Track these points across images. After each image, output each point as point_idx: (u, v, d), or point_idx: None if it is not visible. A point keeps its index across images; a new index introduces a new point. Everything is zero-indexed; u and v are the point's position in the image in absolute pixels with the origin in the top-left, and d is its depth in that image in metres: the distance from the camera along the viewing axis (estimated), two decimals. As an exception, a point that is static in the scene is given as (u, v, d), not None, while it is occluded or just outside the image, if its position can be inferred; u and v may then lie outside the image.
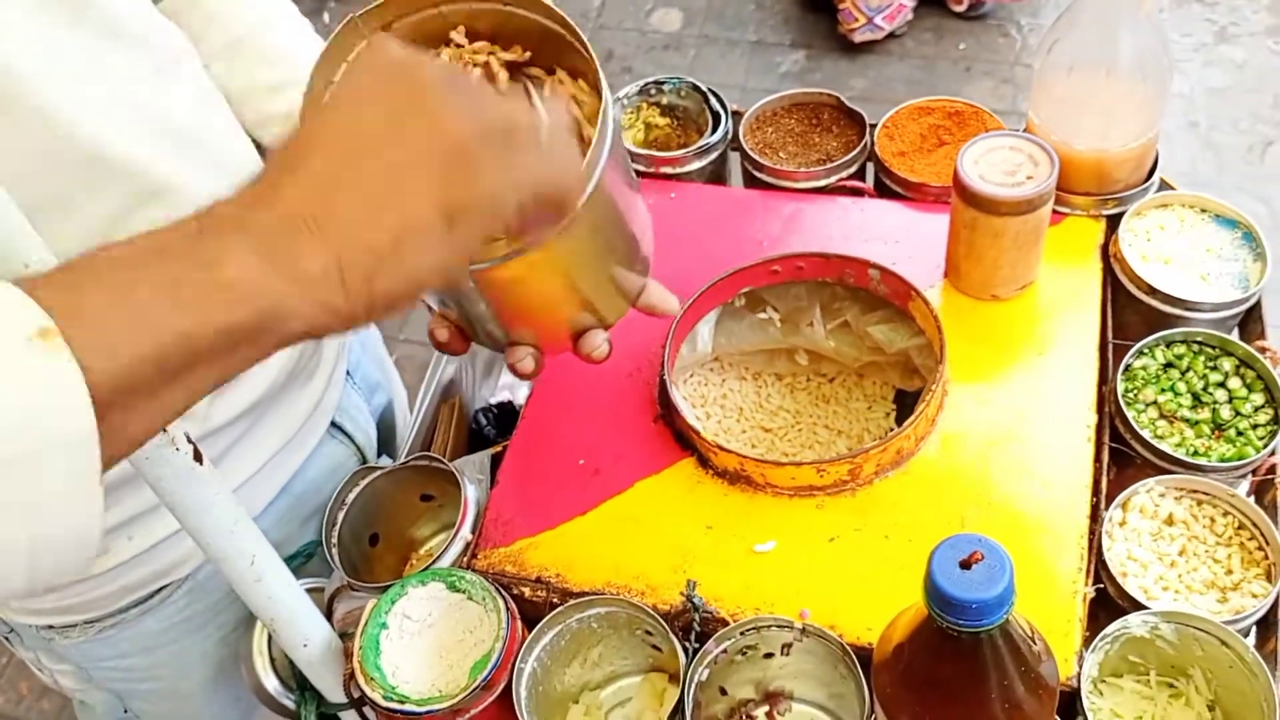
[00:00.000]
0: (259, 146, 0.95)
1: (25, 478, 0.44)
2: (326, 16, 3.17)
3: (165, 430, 0.66)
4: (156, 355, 0.46)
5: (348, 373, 1.14)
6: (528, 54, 0.73)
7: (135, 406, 0.47)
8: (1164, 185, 1.02)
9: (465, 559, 0.90)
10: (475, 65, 0.72)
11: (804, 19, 3.01)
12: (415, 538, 1.05)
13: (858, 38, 2.85)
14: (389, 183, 0.51)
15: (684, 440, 0.93)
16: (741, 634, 0.80)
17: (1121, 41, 0.91)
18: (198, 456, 0.69)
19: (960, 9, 2.93)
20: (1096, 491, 0.87)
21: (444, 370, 1.17)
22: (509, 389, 1.31)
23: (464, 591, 0.86)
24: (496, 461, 1.00)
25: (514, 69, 0.74)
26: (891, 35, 2.89)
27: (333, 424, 1.08)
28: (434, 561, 0.89)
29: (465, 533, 0.91)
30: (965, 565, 0.59)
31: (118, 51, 0.77)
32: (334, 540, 0.95)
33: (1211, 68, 2.75)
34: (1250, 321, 0.97)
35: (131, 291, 0.46)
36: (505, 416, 1.21)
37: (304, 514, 1.07)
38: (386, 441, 1.24)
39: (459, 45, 0.73)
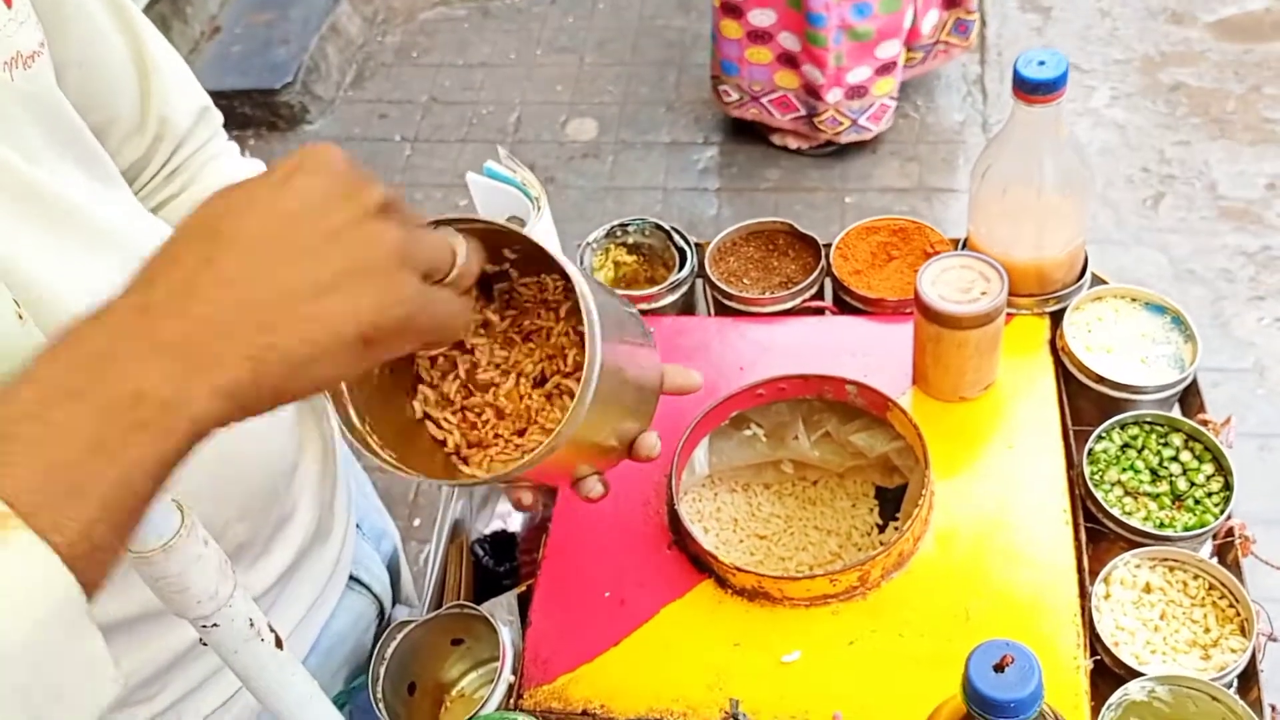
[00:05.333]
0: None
1: (28, 661, 0.46)
2: (247, 154, 3.24)
3: (251, 624, 0.71)
4: (103, 510, 0.47)
5: (357, 525, 1.19)
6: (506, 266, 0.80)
7: (95, 554, 0.48)
8: (1096, 280, 1.14)
9: (511, 700, 0.95)
10: None
11: (714, 117, 3.15)
12: (446, 681, 1.10)
13: (845, 139, 2.91)
14: (315, 294, 0.52)
15: (700, 563, 1.00)
16: (783, 742, 0.87)
17: (1046, 163, 1.02)
18: (279, 643, 0.75)
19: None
20: (1080, 569, 0.95)
21: (451, 511, 1.23)
22: (501, 518, 1.37)
23: (516, 732, 0.92)
24: (522, 600, 1.06)
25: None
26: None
27: (350, 577, 1.13)
28: (481, 706, 0.94)
29: (507, 674, 0.96)
30: (999, 668, 0.67)
31: (133, 267, 0.83)
32: (379, 695, 0.99)
33: (1098, 129, 2.95)
34: (1189, 396, 1.07)
35: (61, 453, 0.47)
36: (500, 545, 1.27)
37: (333, 667, 1.11)
38: (394, 584, 1.29)
39: None
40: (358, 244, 0.54)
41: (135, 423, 0.48)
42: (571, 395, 0.76)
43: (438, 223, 0.72)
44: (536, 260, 0.79)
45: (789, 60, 2.80)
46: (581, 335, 0.76)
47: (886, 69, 2.80)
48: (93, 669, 0.49)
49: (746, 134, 3.08)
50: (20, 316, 0.52)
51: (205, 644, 0.70)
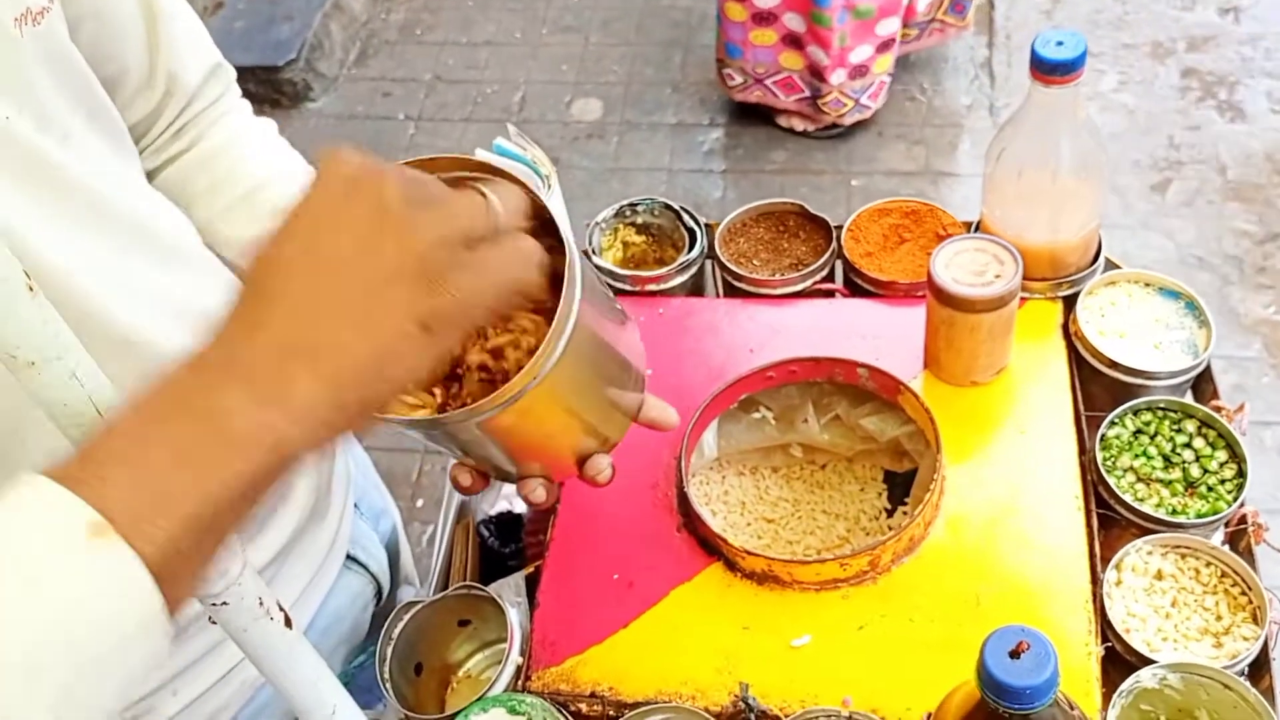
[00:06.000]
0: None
1: (111, 669, 0.48)
2: (251, 132, 3.22)
3: (261, 603, 0.71)
4: (186, 523, 0.49)
5: (355, 504, 1.18)
6: None
7: (179, 570, 0.50)
8: (1109, 264, 1.13)
9: (519, 682, 0.95)
10: None
11: (720, 98, 3.13)
12: (453, 662, 1.09)
13: (848, 120, 2.92)
14: (365, 302, 0.55)
15: (709, 546, 1.00)
16: (793, 727, 0.87)
17: (1062, 145, 1.01)
18: (288, 622, 0.74)
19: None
20: (1091, 555, 0.95)
21: (457, 492, 1.22)
22: (507, 499, 1.36)
23: (524, 714, 0.91)
24: (529, 581, 1.05)
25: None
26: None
27: (347, 556, 1.12)
28: (489, 688, 0.94)
29: (515, 656, 0.96)
30: (1014, 654, 0.66)
31: (135, 243, 0.82)
32: (386, 675, 0.99)
33: (1107, 113, 2.93)
34: (1202, 383, 1.07)
35: (149, 467, 0.49)
36: (505, 526, 1.27)
37: (330, 646, 1.11)
38: (392, 564, 1.28)
39: None
40: (390, 242, 0.55)
41: (217, 441, 0.51)
42: None
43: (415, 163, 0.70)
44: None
45: (794, 41, 2.78)
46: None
47: (885, 46, 2.79)
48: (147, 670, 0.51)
49: (752, 116, 3.06)
50: (31, 289, 0.51)
51: (214, 622, 0.70)
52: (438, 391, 0.82)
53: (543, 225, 0.72)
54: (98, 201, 0.79)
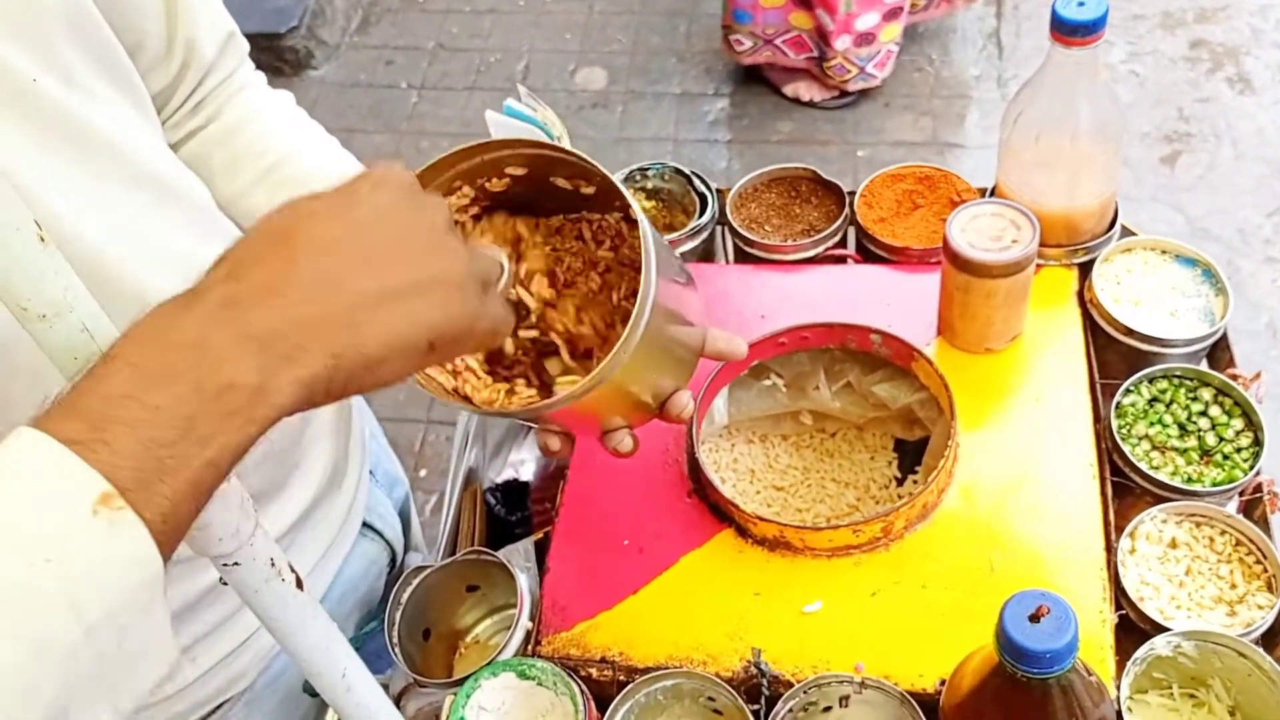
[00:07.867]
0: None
1: (111, 632, 0.48)
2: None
3: (273, 564, 0.70)
4: (190, 490, 0.50)
5: (370, 472, 1.18)
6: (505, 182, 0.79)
7: (175, 533, 0.50)
8: (1125, 231, 1.11)
9: (529, 647, 0.94)
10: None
11: (725, 67, 3.11)
12: (461, 627, 1.09)
13: (852, 87, 2.90)
14: (391, 303, 0.56)
15: (720, 512, 0.99)
16: (805, 692, 0.86)
17: (1081, 109, 1.00)
18: (299, 584, 0.74)
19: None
20: (1106, 523, 0.94)
21: (465, 459, 1.21)
22: (514, 467, 1.35)
23: (534, 679, 0.91)
24: (538, 547, 1.05)
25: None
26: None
27: (363, 523, 1.12)
28: (499, 652, 0.94)
29: (525, 621, 0.95)
30: (1034, 618, 0.66)
31: (161, 204, 0.81)
32: (394, 640, 0.99)
33: (1117, 85, 2.90)
34: (1218, 351, 1.06)
35: (154, 434, 0.48)
36: (512, 493, 1.26)
37: (345, 612, 1.10)
38: (405, 531, 1.28)
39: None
40: (432, 256, 0.58)
41: (226, 409, 0.50)
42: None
43: (485, 146, 0.73)
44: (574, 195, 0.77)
45: (803, 1, 2.75)
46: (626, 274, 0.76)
47: (894, 14, 2.76)
48: (160, 642, 0.52)
49: (758, 85, 3.04)
50: (42, 239, 0.50)
51: (225, 583, 0.69)
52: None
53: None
54: (124, 161, 0.78)
